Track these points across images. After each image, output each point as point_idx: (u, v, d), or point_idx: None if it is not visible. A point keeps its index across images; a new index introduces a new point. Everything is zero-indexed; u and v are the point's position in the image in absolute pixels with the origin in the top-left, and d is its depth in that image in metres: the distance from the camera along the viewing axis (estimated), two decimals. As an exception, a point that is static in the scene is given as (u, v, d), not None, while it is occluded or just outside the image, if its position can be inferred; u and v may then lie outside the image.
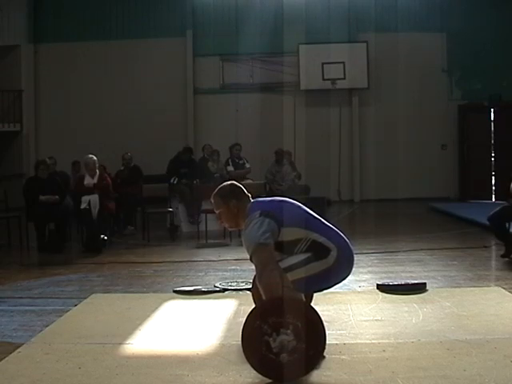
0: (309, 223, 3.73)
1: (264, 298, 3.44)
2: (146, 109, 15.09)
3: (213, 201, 3.89)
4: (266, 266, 3.46)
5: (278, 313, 3.31)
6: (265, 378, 3.34)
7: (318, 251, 3.64)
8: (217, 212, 3.90)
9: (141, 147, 13.74)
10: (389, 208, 13.58)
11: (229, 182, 3.97)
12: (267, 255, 3.51)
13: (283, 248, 3.65)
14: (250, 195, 3.90)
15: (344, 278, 3.84)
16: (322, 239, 3.66)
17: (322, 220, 3.82)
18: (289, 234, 3.65)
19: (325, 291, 4.47)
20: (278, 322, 3.30)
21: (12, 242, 8.88)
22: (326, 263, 3.63)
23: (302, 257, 3.63)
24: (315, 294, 3.97)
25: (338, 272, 3.72)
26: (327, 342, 3.89)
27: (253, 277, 3.76)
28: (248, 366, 3.50)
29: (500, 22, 14.66)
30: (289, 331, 3.30)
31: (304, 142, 14.24)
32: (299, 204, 3.86)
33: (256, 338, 3.33)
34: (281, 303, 3.34)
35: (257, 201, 3.85)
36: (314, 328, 3.35)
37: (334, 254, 3.65)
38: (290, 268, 3.58)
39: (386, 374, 3.37)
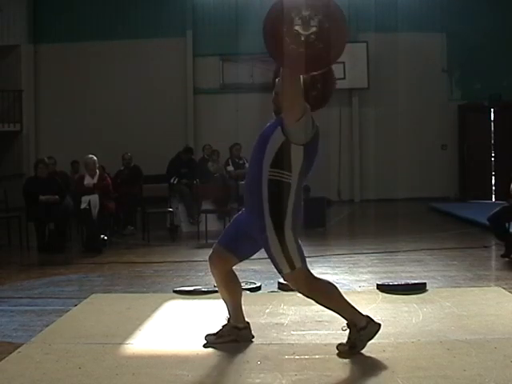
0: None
1: None
2: (145, 109, 15.10)
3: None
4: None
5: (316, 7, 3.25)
6: (264, 378, 3.34)
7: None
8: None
9: (141, 147, 13.73)
10: (389, 208, 13.58)
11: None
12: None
13: (283, 161, 3.60)
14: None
15: None
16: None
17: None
18: (296, 156, 3.62)
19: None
20: (310, 15, 3.23)
21: (12, 241, 8.88)
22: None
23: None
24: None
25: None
26: (327, 342, 3.91)
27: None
28: (248, 366, 3.51)
29: (500, 22, 14.67)
30: (315, 23, 3.24)
31: (304, 142, 14.23)
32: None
33: (284, 14, 3.23)
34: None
35: None
36: (339, 37, 3.33)
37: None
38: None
39: (386, 374, 3.37)
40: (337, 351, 3.71)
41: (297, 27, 3.25)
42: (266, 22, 3.30)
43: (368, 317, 3.75)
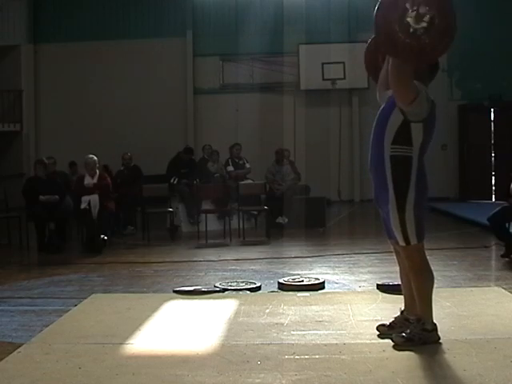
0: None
1: None
2: (145, 109, 15.10)
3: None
4: None
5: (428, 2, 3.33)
6: (264, 378, 3.33)
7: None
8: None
9: (141, 147, 13.74)
10: (389, 208, 13.54)
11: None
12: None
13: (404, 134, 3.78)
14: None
15: None
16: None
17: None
18: (416, 132, 3.83)
19: (325, 290, 4.49)
20: (425, 11, 3.31)
21: (12, 241, 8.88)
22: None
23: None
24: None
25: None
26: (327, 342, 3.91)
27: None
28: (248, 366, 3.51)
29: (500, 22, 14.66)
30: (427, 19, 3.32)
31: (304, 142, 14.24)
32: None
33: (396, 6, 3.34)
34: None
35: None
36: (446, 35, 3.38)
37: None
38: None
39: (386, 374, 3.37)
40: (390, 337, 3.80)
41: (409, 19, 3.35)
42: (381, 5, 3.41)
43: (436, 325, 3.84)
